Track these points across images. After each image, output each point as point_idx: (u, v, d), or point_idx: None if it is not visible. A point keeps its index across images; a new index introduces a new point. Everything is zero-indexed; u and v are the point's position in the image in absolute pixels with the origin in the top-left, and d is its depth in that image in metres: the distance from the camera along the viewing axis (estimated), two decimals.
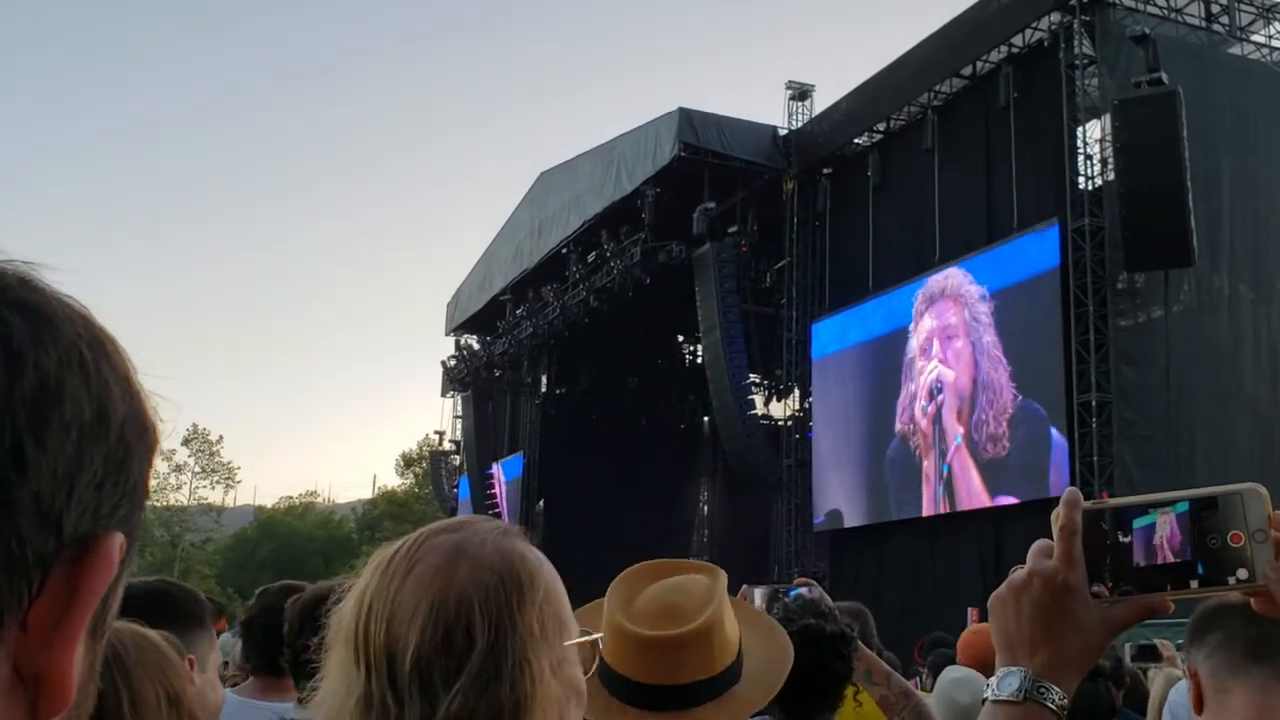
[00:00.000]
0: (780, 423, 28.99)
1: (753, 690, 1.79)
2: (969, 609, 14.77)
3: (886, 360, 22.32)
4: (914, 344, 21.48)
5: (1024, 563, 1.11)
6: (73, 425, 0.53)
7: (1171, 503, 1.05)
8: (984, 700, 1.10)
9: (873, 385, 22.67)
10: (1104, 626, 1.07)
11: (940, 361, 20.92)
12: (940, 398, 20.82)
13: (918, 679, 6.00)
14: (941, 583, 20.18)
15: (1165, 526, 1.05)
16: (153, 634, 1.67)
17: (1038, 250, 18.83)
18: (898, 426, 21.80)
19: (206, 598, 2.74)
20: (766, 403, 31.39)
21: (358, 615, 1.08)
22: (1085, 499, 1.09)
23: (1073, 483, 17.21)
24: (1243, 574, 1.01)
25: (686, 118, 25.36)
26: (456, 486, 39.76)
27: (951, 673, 4.17)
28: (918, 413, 21.33)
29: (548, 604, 1.11)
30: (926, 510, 21.22)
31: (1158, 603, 1.05)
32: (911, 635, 11.47)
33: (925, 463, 21.19)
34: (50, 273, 0.57)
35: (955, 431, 20.46)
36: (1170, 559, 1.04)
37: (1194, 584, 1.03)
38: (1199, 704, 1.78)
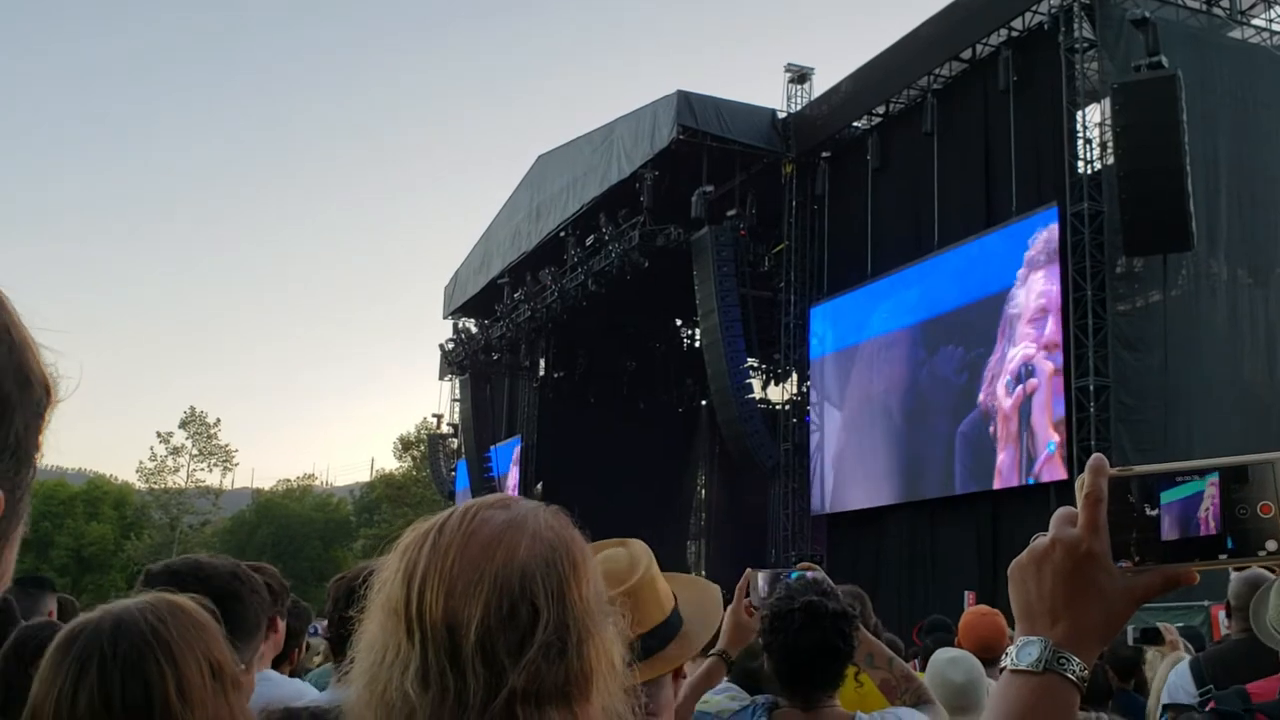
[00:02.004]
0: (778, 407, 29.00)
1: (697, 626, 1.90)
2: (966, 592, 14.82)
3: (911, 347, 21.95)
4: (1019, 298, 19.00)
5: (1044, 533, 1.09)
6: None
7: (1200, 472, 1.03)
8: (1002, 669, 1.08)
9: (903, 370, 21.93)
10: (1127, 596, 1.05)
11: (1035, 344, 18.50)
12: (1031, 382, 18.54)
13: (916, 661, 6.02)
14: (938, 566, 20.22)
15: (1195, 499, 1.02)
16: (187, 602, 1.59)
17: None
18: (980, 398, 19.59)
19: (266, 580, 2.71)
20: (764, 387, 31.40)
21: (408, 588, 1.06)
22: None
23: (1070, 469, 17.24)
24: (1272, 545, 0.99)
25: (685, 100, 25.25)
26: (454, 469, 39.80)
27: (945, 653, 4.20)
28: (1000, 391, 19.21)
29: (597, 581, 1.12)
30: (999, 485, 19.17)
31: (1183, 573, 1.03)
32: (909, 618, 11.51)
33: (1001, 456, 18.98)
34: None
35: (1048, 438, 18.08)
36: (1200, 532, 1.02)
37: (1223, 557, 1.01)
38: None
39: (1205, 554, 1.02)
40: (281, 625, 3.21)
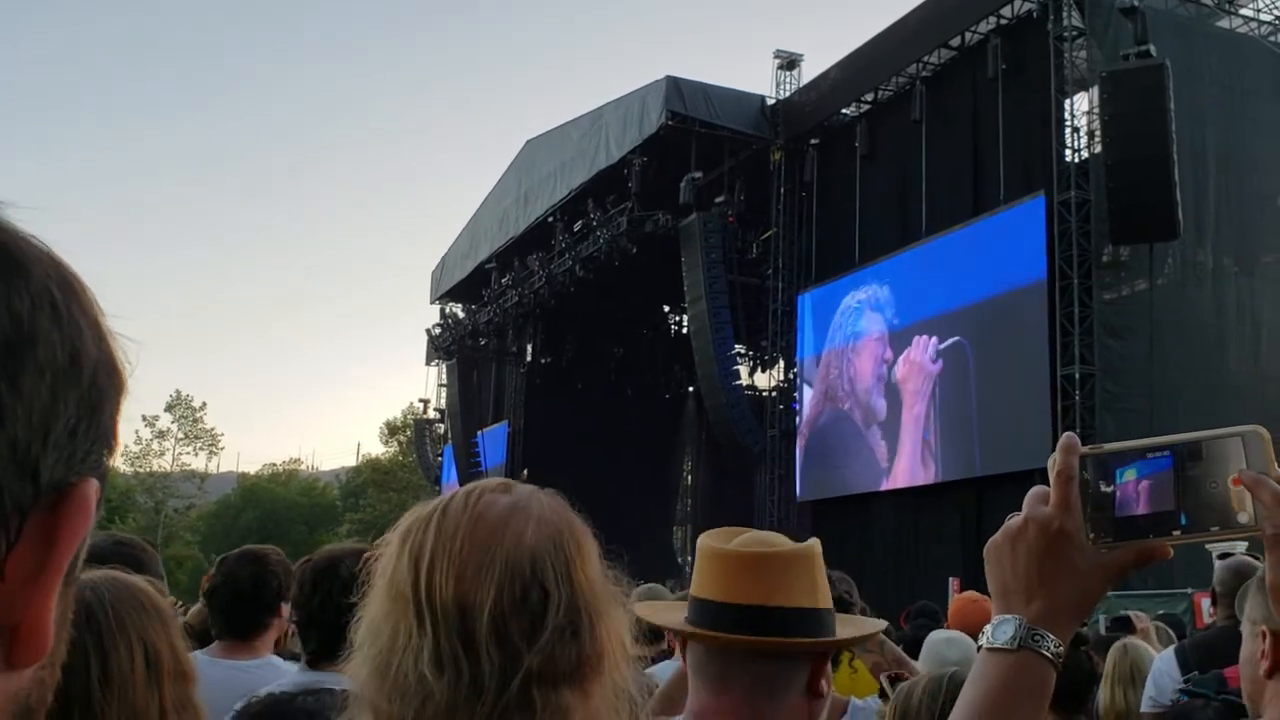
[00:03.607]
0: (765, 393, 29.04)
1: (848, 630, 1.75)
2: (950, 578, 14.87)
3: (903, 336, 21.88)
4: None
5: (1019, 512, 1.10)
6: (47, 369, 0.52)
7: (1165, 447, 1.04)
8: (979, 648, 1.09)
9: (891, 357, 21.83)
10: (1101, 573, 1.06)
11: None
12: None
13: (902, 645, 6.04)
14: (923, 552, 20.30)
15: (1151, 475, 1.03)
16: (137, 583, 1.53)
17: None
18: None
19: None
20: (751, 373, 31.45)
21: (416, 571, 1.06)
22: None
23: None
24: (1244, 518, 0.99)
25: (674, 86, 25.20)
26: (441, 455, 39.77)
27: (941, 633, 4.24)
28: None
29: (599, 562, 1.14)
30: None
31: (1156, 547, 1.04)
32: (895, 604, 11.54)
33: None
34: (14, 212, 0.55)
35: None
36: (1153, 509, 1.03)
37: (1177, 533, 1.02)
38: (1273, 668, 1.78)
39: (1159, 530, 1.03)
40: (285, 610, 3.22)
